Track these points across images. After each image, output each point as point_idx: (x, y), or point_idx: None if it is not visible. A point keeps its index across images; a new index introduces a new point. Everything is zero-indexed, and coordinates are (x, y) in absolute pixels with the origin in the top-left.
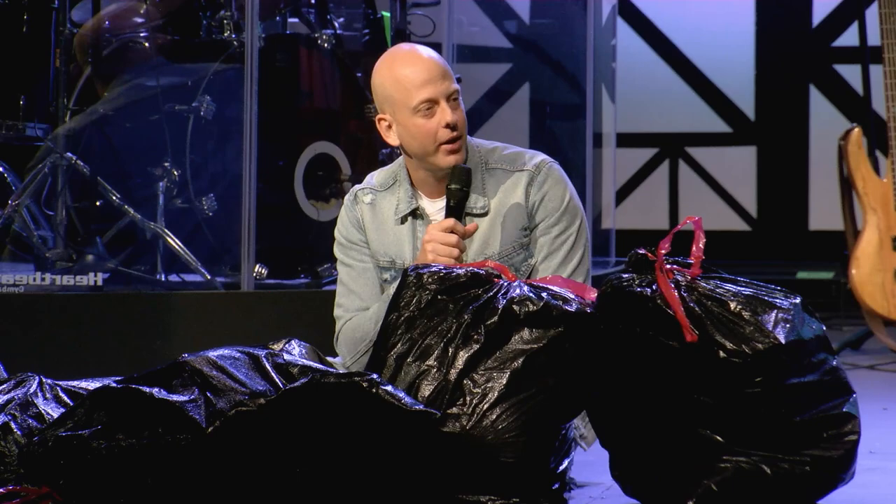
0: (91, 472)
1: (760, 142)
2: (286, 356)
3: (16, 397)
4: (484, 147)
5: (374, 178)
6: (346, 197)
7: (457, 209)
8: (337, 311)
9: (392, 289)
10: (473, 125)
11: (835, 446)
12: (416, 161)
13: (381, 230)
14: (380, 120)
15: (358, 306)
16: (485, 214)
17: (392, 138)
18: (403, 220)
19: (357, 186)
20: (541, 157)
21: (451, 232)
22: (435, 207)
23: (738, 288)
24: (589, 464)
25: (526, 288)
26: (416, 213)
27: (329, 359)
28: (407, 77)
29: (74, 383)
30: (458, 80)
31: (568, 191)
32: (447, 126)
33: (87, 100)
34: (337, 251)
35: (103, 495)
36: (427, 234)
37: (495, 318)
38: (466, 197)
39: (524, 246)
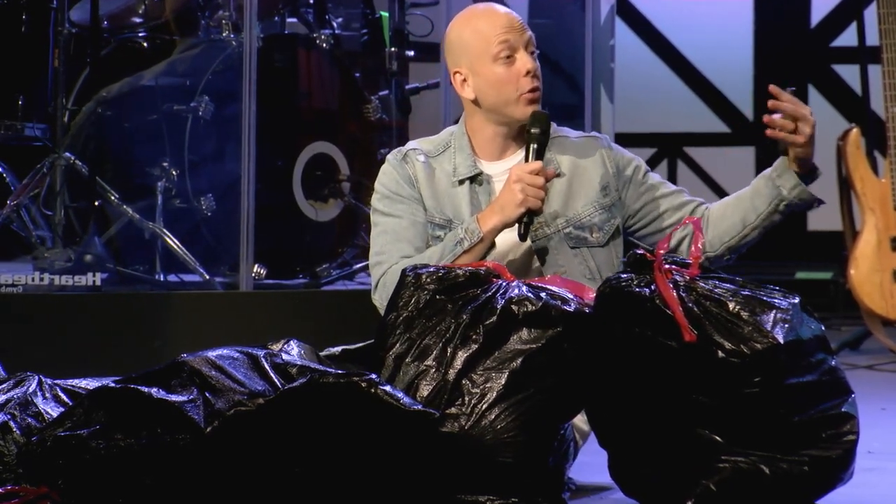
0: (90, 472)
1: (759, 142)
2: (285, 356)
3: (15, 396)
4: None
5: (420, 144)
6: (390, 157)
7: (539, 153)
8: (377, 259)
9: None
10: None
11: (833, 446)
12: (489, 116)
13: (436, 189)
14: (455, 73)
15: (405, 253)
16: (558, 175)
17: (467, 92)
18: (461, 183)
19: (402, 148)
20: (590, 132)
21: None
22: (497, 169)
23: (737, 288)
24: (588, 464)
25: (524, 288)
26: (476, 178)
27: (326, 352)
28: (486, 26)
29: (73, 383)
30: None
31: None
32: (528, 73)
33: (85, 100)
34: (379, 205)
35: (102, 495)
36: (514, 175)
37: (494, 318)
38: (546, 142)
39: (605, 207)
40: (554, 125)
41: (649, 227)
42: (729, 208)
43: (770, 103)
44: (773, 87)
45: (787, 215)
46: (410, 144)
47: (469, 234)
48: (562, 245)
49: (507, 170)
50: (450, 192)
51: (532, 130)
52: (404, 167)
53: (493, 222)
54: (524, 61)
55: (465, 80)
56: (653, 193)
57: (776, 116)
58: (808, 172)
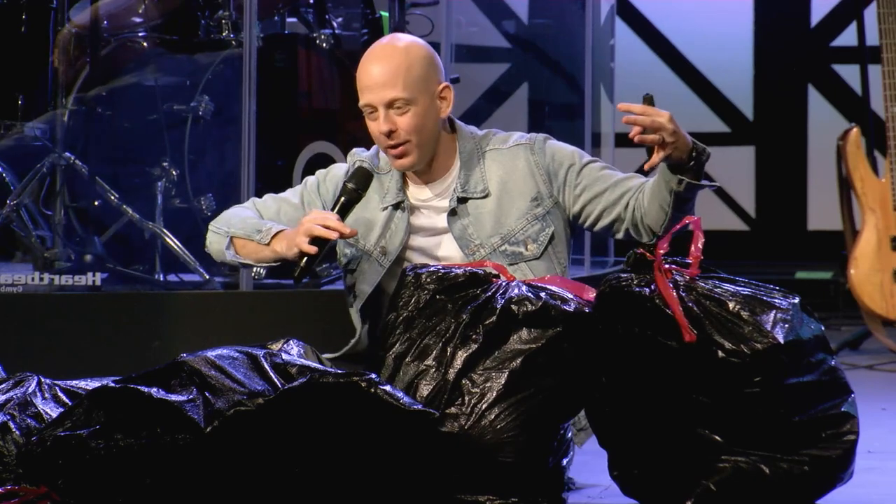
0: (89, 471)
1: (759, 142)
2: (284, 356)
3: (14, 397)
4: (478, 134)
5: (381, 159)
6: (349, 157)
7: (345, 207)
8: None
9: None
10: (472, 125)
11: (833, 446)
12: None
13: (362, 208)
14: None
15: (253, 205)
16: (486, 196)
17: None
18: (384, 209)
19: (365, 154)
20: (529, 133)
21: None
22: (423, 195)
23: (737, 288)
24: (588, 464)
25: (524, 288)
26: (399, 205)
27: (325, 356)
28: (359, 77)
29: (73, 383)
30: (455, 81)
31: (568, 145)
32: (382, 134)
33: (85, 100)
34: (308, 178)
35: (102, 495)
36: (307, 218)
37: (494, 317)
38: (358, 199)
39: (539, 217)
40: (495, 132)
41: (596, 227)
42: (648, 197)
43: (624, 119)
44: (622, 105)
45: (694, 192)
46: (371, 152)
47: (265, 234)
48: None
49: (430, 197)
50: (372, 214)
51: (348, 185)
52: (343, 177)
53: (278, 246)
54: (379, 122)
55: None
56: (588, 195)
57: (636, 129)
58: (689, 163)
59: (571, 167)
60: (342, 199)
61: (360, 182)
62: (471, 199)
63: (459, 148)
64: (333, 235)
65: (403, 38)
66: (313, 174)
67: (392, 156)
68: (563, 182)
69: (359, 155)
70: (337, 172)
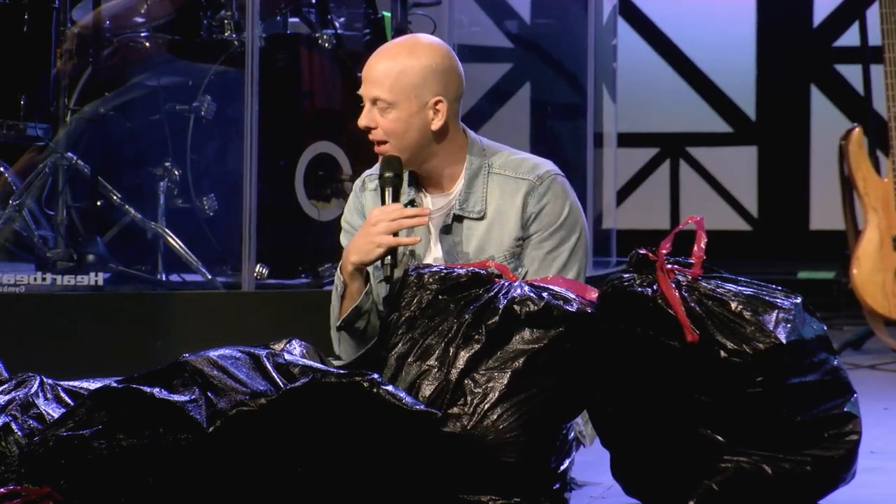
0: (92, 472)
1: (761, 142)
2: (287, 356)
3: (17, 397)
4: (492, 149)
5: None
6: (356, 182)
7: (395, 195)
8: None
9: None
10: (474, 125)
11: (836, 446)
12: None
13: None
14: None
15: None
16: (481, 219)
17: None
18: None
19: (368, 172)
20: (546, 167)
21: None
22: (435, 206)
23: (739, 288)
24: (589, 464)
25: (527, 288)
26: (411, 203)
27: (330, 359)
28: (364, 66)
29: (75, 383)
30: None
31: (567, 205)
32: (361, 126)
33: (87, 100)
34: (341, 236)
35: (104, 495)
36: (373, 218)
37: (496, 317)
38: (401, 183)
39: (516, 256)
40: (512, 153)
41: None
42: None
43: None
44: None
45: None
46: (376, 167)
47: (338, 282)
48: None
49: (433, 210)
50: None
51: (385, 175)
52: (358, 197)
53: (349, 267)
54: (361, 116)
55: None
56: (527, 268)
57: None
58: None
59: (538, 232)
60: (388, 189)
61: (392, 167)
62: (466, 218)
63: (467, 163)
64: (423, 220)
65: (421, 41)
66: (315, 175)
67: (377, 151)
68: (527, 236)
69: (368, 174)
70: (351, 204)
